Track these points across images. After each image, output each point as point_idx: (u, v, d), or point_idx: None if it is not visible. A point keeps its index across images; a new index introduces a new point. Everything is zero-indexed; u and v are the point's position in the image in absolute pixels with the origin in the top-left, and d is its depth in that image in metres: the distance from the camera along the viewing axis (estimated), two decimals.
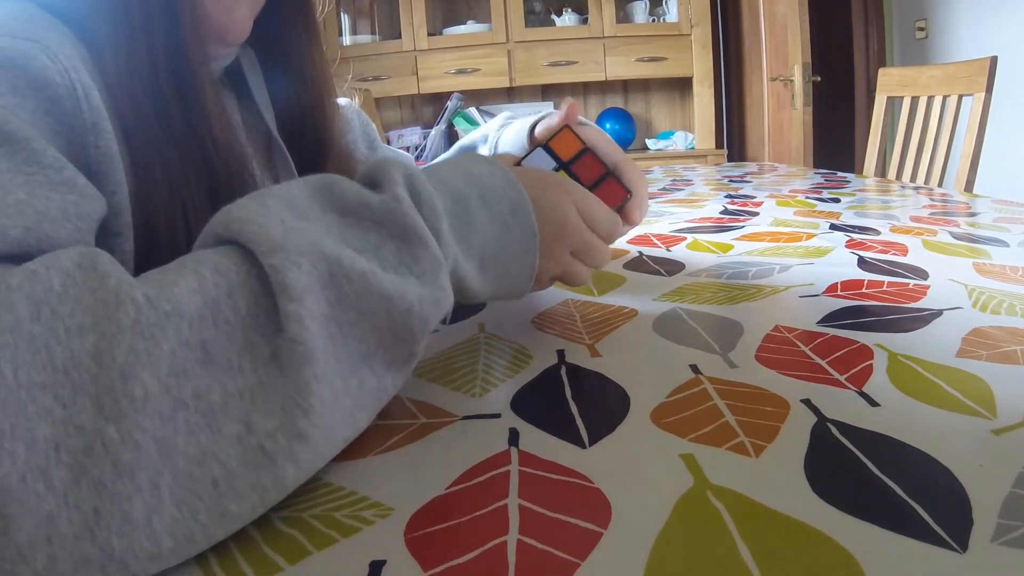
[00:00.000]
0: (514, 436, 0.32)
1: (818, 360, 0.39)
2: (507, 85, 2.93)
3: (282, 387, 0.25)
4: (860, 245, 0.69)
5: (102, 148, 0.37)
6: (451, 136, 2.98)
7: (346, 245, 0.29)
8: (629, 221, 0.52)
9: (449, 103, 2.94)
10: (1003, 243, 0.67)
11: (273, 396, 0.25)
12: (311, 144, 0.59)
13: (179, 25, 0.42)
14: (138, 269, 0.40)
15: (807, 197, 1.05)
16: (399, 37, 2.89)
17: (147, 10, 0.41)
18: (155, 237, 0.41)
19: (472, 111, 2.96)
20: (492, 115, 2.98)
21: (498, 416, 0.35)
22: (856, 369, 0.38)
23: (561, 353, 0.43)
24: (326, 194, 0.31)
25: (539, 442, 0.32)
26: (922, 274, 0.57)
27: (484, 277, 0.38)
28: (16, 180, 0.30)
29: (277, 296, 0.26)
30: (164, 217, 0.41)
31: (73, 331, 0.23)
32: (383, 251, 0.30)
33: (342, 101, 0.65)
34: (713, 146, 2.98)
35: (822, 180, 1.26)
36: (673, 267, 0.63)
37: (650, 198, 0.83)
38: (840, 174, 1.36)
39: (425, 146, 2.95)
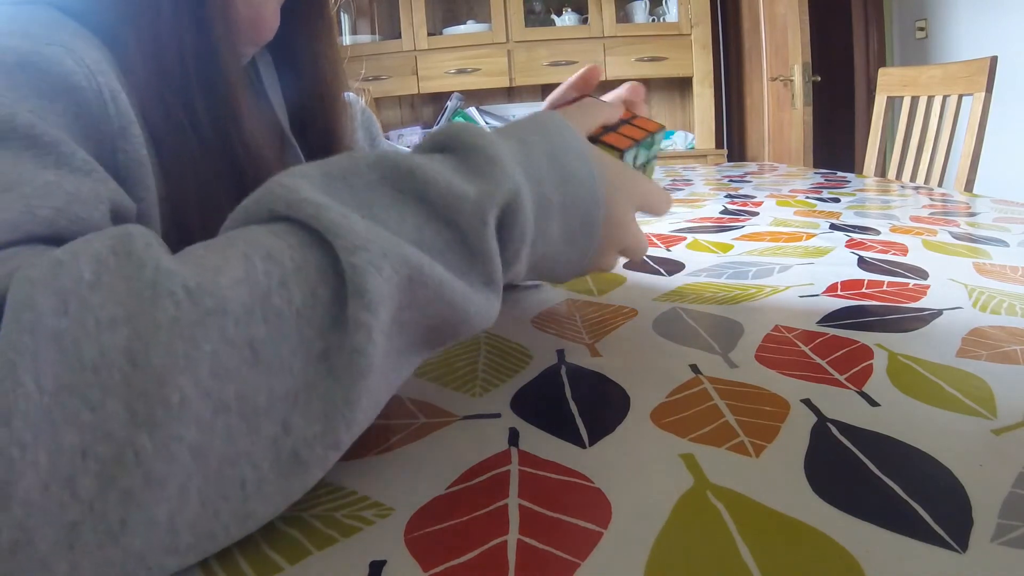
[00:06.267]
0: (514, 436, 0.32)
1: (818, 360, 0.39)
2: (507, 85, 2.93)
3: (329, 393, 0.23)
4: (860, 245, 0.69)
5: (130, 153, 0.36)
6: None
7: (422, 245, 0.27)
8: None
9: (449, 103, 2.94)
10: (1003, 243, 0.67)
11: (318, 400, 0.23)
12: (320, 140, 0.58)
13: (210, 25, 0.41)
14: None
15: (807, 197, 1.05)
16: (399, 37, 2.90)
17: (176, 11, 0.40)
18: (188, 241, 0.41)
19: (472, 111, 2.96)
20: (492, 115, 2.98)
21: (498, 416, 0.35)
22: (856, 369, 0.38)
23: (561, 353, 0.43)
24: (403, 180, 0.29)
25: (539, 442, 0.32)
26: (922, 274, 0.57)
27: (528, 274, 0.36)
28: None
29: (349, 298, 0.23)
30: (197, 221, 0.40)
31: (104, 324, 0.20)
32: (450, 254, 0.29)
33: (347, 95, 0.65)
34: (713, 146, 2.98)
35: (822, 180, 1.26)
36: (673, 267, 0.63)
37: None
38: (840, 174, 1.36)
39: None
